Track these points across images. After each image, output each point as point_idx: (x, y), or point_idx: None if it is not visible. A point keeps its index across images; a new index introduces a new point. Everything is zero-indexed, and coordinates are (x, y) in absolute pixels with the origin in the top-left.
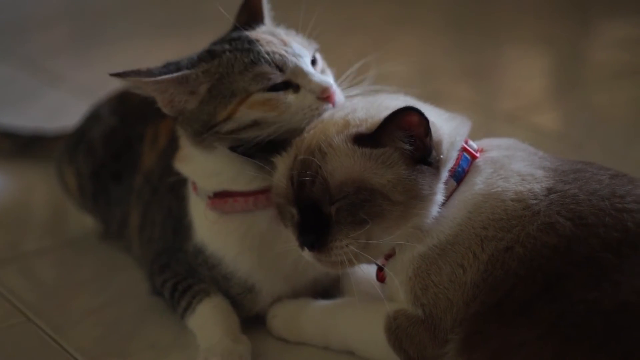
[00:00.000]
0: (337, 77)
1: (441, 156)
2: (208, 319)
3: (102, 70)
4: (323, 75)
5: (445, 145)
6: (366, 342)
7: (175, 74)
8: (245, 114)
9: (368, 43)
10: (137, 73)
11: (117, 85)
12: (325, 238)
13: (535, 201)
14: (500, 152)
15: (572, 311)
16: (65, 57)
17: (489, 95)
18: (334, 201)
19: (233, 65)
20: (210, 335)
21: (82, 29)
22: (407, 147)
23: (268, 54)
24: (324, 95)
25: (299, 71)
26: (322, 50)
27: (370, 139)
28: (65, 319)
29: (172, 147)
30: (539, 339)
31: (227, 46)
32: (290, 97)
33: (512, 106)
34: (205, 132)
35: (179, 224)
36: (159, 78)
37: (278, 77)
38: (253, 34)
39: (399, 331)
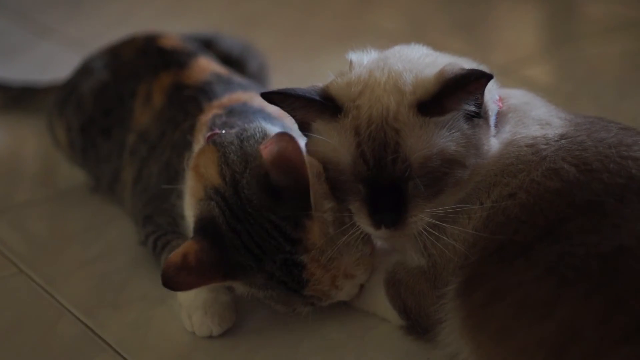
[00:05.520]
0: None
1: (488, 110)
2: None
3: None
4: None
5: (487, 97)
6: (364, 294)
7: None
8: None
9: None
10: None
11: (109, 38)
12: (404, 214)
13: (545, 146)
14: (518, 100)
15: (570, 253)
16: (56, 9)
17: (481, 49)
18: (413, 177)
19: None
20: (188, 292)
21: None
22: (472, 108)
23: None
24: None
25: None
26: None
27: (436, 106)
28: (57, 271)
29: (171, 108)
30: (536, 280)
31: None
32: None
33: (504, 59)
34: None
35: (174, 175)
36: None
37: None
38: None
39: (398, 284)
